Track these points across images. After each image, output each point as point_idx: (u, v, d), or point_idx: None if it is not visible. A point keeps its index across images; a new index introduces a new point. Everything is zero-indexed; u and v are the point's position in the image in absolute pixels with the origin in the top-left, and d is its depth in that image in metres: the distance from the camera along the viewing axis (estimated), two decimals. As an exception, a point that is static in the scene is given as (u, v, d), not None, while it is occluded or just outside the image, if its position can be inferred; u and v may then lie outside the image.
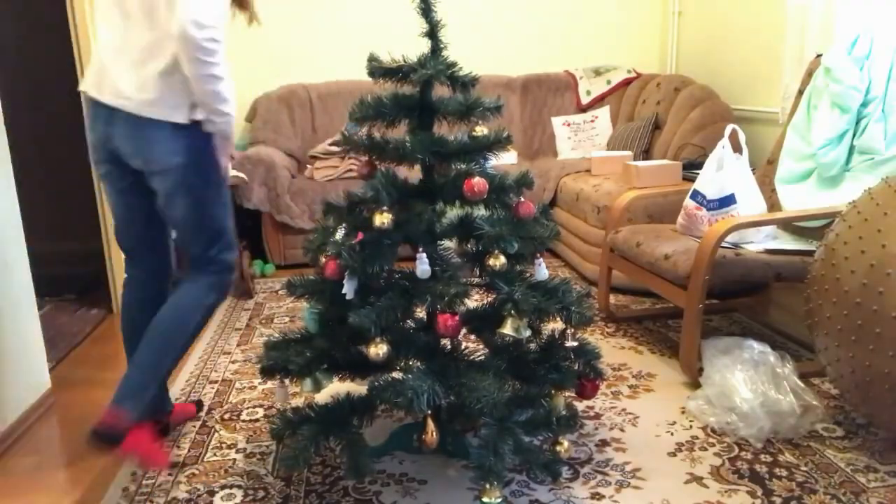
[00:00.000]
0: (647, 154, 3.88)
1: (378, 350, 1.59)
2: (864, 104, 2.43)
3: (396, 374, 1.65)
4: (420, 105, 1.76)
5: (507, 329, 1.65)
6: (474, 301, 1.82)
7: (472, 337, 1.98)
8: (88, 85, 1.82)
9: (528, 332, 1.66)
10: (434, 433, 1.61)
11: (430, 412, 1.58)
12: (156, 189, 1.83)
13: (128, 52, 1.77)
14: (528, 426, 1.75)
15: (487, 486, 1.53)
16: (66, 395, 2.45)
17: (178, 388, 2.45)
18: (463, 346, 1.96)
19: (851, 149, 2.46)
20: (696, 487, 1.79)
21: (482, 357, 1.87)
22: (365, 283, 1.67)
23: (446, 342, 1.85)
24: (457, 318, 1.61)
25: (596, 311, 3.02)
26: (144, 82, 1.74)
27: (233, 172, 3.60)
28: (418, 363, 1.71)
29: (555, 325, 1.78)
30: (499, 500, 1.53)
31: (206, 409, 2.28)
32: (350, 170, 3.89)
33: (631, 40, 4.68)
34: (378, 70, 1.75)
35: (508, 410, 1.70)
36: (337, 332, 1.79)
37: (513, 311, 1.63)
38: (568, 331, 1.77)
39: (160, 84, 1.73)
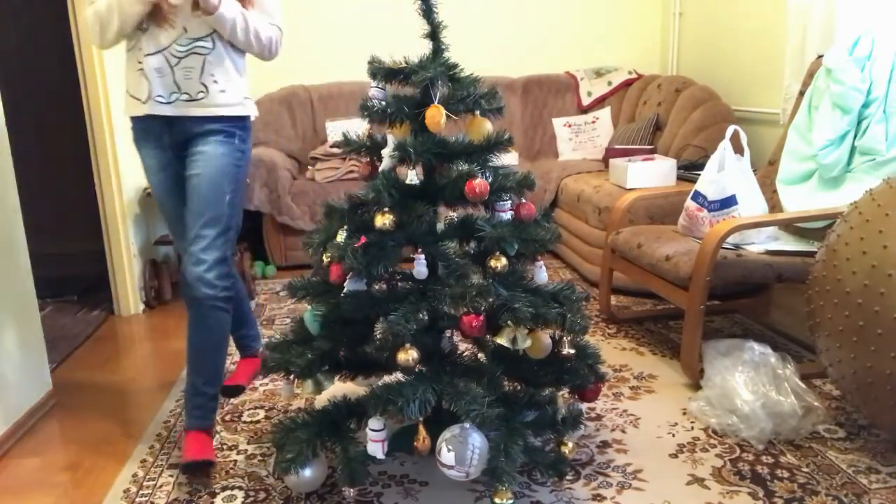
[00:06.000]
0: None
1: (408, 356, 1.56)
2: (866, 105, 2.43)
3: (391, 378, 1.64)
4: (421, 106, 1.75)
5: (503, 339, 1.62)
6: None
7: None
8: None
9: (527, 343, 1.63)
10: (426, 440, 1.59)
11: (421, 418, 1.57)
12: None
13: None
14: (534, 426, 1.74)
15: (500, 487, 1.52)
16: (67, 397, 2.45)
17: (178, 388, 2.45)
18: (461, 349, 1.95)
19: (853, 150, 2.46)
20: (697, 489, 1.78)
21: (481, 362, 1.86)
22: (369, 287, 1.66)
23: (444, 344, 1.84)
24: (481, 318, 1.59)
25: (596, 313, 3.02)
26: None
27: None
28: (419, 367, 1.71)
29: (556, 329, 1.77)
30: (510, 501, 1.51)
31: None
32: (351, 171, 3.89)
33: (632, 41, 4.68)
34: (379, 71, 1.75)
35: (513, 411, 1.70)
36: (338, 333, 1.79)
37: (509, 322, 1.60)
38: (565, 338, 1.74)
39: None
